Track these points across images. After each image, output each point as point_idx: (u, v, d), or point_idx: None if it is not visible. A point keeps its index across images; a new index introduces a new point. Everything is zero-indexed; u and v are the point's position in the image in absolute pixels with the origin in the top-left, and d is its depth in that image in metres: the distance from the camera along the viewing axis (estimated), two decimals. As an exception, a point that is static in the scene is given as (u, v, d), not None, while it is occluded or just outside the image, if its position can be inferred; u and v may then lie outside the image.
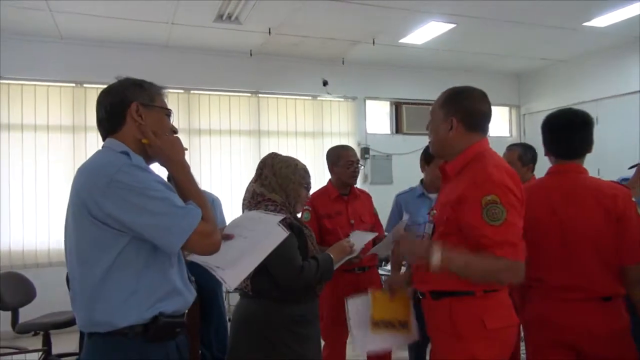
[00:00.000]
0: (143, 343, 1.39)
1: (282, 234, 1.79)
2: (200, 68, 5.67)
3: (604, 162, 4.68)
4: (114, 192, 1.33)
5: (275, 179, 2.08)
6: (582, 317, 1.87)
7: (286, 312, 1.98)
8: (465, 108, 1.80)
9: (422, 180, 3.16)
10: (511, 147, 3.36)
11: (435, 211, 1.89)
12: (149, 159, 1.51)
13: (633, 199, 1.93)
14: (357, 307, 2.17)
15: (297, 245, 2.00)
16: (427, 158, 3.03)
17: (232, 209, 4.70)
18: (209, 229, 1.40)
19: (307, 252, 2.05)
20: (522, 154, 3.24)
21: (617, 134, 5.59)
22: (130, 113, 1.47)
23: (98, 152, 1.50)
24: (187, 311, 1.55)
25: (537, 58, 6.47)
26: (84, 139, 5.28)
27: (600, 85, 6.13)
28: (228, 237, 1.72)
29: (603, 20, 5.04)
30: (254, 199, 2.09)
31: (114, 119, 1.48)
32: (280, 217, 1.88)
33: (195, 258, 1.65)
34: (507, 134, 7.43)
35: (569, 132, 2.00)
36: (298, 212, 2.19)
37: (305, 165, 2.19)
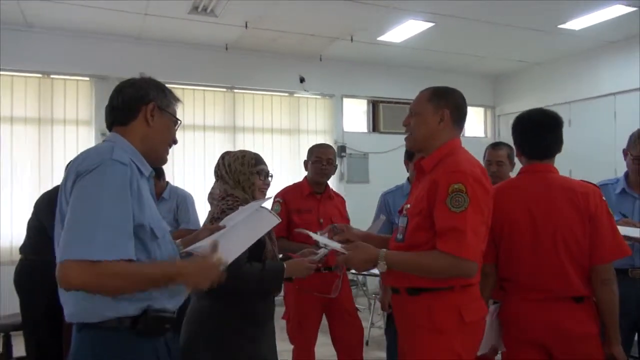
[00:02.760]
0: (132, 337, 1.38)
1: (273, 219, 1.83)
2: (174, 61, 5.52)
3: (576, 164, 4.76)
4: (75, 184, 1.35)
5: (230, 175, 2.12)
6: (552, 318, 1.88)
7: (237, 310, 1.94)
8: (456, 103, 1.89)
9: (408, 178, 3.15)
10: (499, 145, 3.36)
11: (409, 205, 1.90)
12: (151, 161, 1.55)
13: (604, 198, 1.93)
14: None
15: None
16: (410, 156, 3.01)
17: (205, 207, 4.58)
18: (91, 271, 1.25)
19: (261, 253, 1.99)
20: (510, 152, 3.26)
21: (589, 136, 5.69)
22: (145, 111, 1.51)
23: (97, 144, 1.52)
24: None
25: (512, 60, 6.53)
26: (50, 132, 5.09)
27: (573, 88, 6.23)
28: (219, 229, 1.73)
29: (578, 23, 5.11)
30: (218, 197, 2.12)
31: (128, 112, 1.51)
32: (261, 202, 1.89)
33: (191, 248, 1.63)
34: (482, 135, 7.50)
35: (541, 132, 2.02)
36: (258, 199, 2.13)
37: (255, 154, 2.19)
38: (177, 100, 1.63)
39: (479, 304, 1.81)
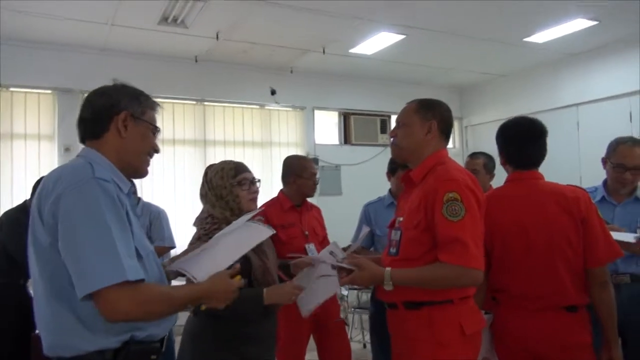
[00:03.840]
0: None
1: (266, 231, 1.77)
2: (142, 73, 5.34)
3: (542, 173, 4.86)
4: (59, 207, 1.23)
5: (212, 192, 2.00)
6: (547, 328, 1.88)
7: (232, 330, 1.86)
8: (443, 115, 1.90)
9: (390, 190, 3.15)
10: (476, 155, 3.43)
11: (401, 218, 1.87)
12: (125, 174, 1.44)
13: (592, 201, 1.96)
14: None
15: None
16: (392, 169, 3.02)
17: (175, 223, 4.43)
18: (127, 298, 1.20)
19: (248, 271, 1.89)
20: (486, 161, 3.33)
21: (553, 146, 5.72)
22: (117, 121, 1.40)
23: (71, 161, 1.40)
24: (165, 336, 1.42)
25: (478, 72, 6.68)
26: (10, 147, 4.82)
27: (537, 99, 6.41)
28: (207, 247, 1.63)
29: (542, 37, 5.27)
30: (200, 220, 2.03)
31: (99, 123, 1.41)
32: (249, 214, 1.80)
33: (175, 266, 1.54)
34: (451, 145, 7.60)
35: (527, 142, 2.03)
36: (248, 211, 2.03)
37: (236, 163, 2.08)
38: (154, 106, 1.51)
39: (478, 316, 1.81)
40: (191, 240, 1.99)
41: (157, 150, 1.52)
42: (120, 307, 1.19)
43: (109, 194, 1.26)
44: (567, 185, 2.01)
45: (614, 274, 2.37)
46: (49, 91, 5.03)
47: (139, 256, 1.32)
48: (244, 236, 1.69)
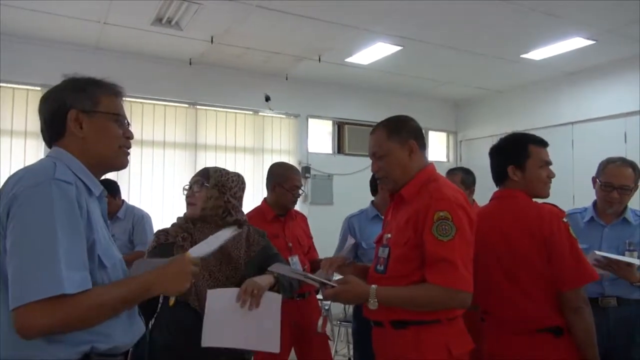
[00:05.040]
0: None
1: (232, 229, 1.74)
2: (134, 74, 5.27)
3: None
4: (13, 209, 1.16)
5: (221, 197, 2.01)
6: (532, 351, 1.82)
7: None
8: (415, 129, 1.88)
9: (372, 202, 3.08)
10: (453, 171, 3.48)
11: (389, 235, 1.82)
12: (99, 171, 1.37)
13: (564, 220, 1.86)
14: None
15: None
16: (374, 189, 3.00)
17: (163, 226, 4.34)
18: (60, 313, 1.10)
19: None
20: (464, 177, 3.37)
21: (548, 163, 5.81)
22: (69, 122, 1.31)
23: (40, 160, 1.32)
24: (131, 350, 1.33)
25: (475, 87, 6.66)
26: (-4, 143, 4.73)
27: (533, 116, 6.39)
28: None
29: (539, 54, 5.25)
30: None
31: (53, 129, 1.33)
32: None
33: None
34: (445, 159, 7.57)
35: (490, 158, 2.07)
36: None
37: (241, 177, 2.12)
38: (111, 90, 1.37)
39: (466, 337, 1.76)
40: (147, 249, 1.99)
41: (129, 137, 1.40)
42: (33, 322, 1.08)
43: (66, 197, 1.17)
44: (540, 204, 1.93)
45: (600, 297, 2.32)
46: (38, 88, 4.93)
47: (102, 266, 1.24)
48: (213, 238, 1.65)
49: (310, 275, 1.80)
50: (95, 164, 1.33)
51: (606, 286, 2.36)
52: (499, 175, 2.03)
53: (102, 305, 1.17)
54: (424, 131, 6.50)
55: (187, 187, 2.04)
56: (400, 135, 1.81)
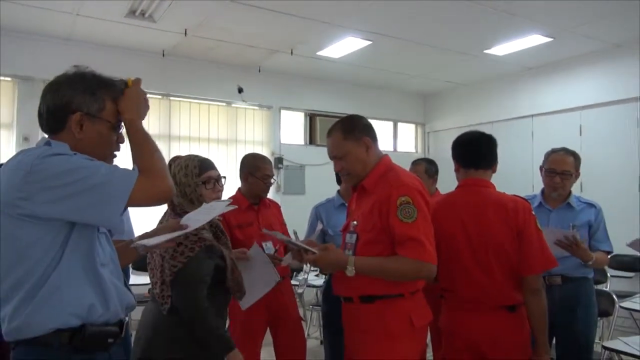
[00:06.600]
0: (69, 353, 1.29)
1: (225, 202, 1.82)
2: (107, 65, 5.02)
3: (497, 181, 5.03)
4: (32, 186, 1.23)
5: (176, 188, 1.93)
6: (488, 326, 2.00)
7: (187, 330, 1.85)
8: (366, 126, 2.02)
9: (338, 191, 3.23)
10: (417, 162, 3.64)
11: (356, 222, 1.96)
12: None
13: (533, 213, 2.09)
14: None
15: (207, 271, 1.87)
16: (339, 178, 3.12)
17: (138, 216, 4.41)
18: (149, 184, 1.33)
19: (224, 277, 1.92)
20: (427, 167, 3.52)
21: (509, 155, 6.08)
22: (71, 122, 1.35)
23: (28, 148, 1.39)
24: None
25: (441, 80, 6.89)
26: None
27: (496, 109, 6.68)
28: (180, 227, 1.68)
29: (502, 49, 5.50)
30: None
31: (54, 123, 1.37)
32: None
33: (146, 241, 1.59)
34: (413, 150, 7.81)
35: (477, 144, 2.19)
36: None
37: (201, 160, 2.05)
38: (114, 93, 1.41)
39: (426, 310, 1.93)
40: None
41: (121, 141, 1.46)
42: (157, 188, 1.35)
43: (71, 155, 1.29)
44: (512, 196, 2.14)
45: (547, 275, 2.54)
46: (9, 79, 4.92)
47: (96, 230, 1.38)
48: (206, 209, 1.78)
49: (293, 240, 1.95)
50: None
51: None
52: (485, 159, 2.16)
53: (153, 153, 1.39)
54: (393, 123, 6.74)
55: None
56: (354, 134, 1.96)
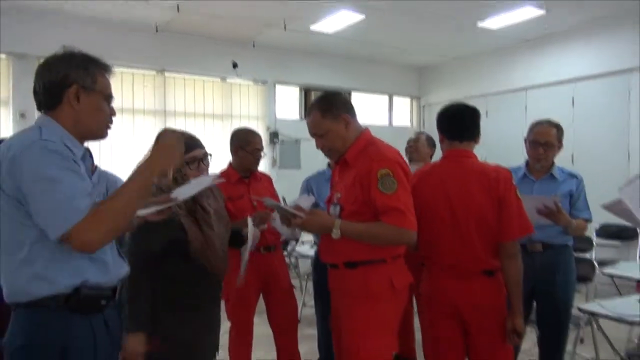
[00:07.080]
0: (65, 315, 1.38)
1: (213, 176, 1.89)
2: (101, 41, 5.25)
3: (490, 152, 5.14)
4: (15, 169, 1.33)
5: None
6: (467, 291, 2.10)
7: (170, 292, 1.92)
8: (344, 102, 2.08)
9: (329, 164, 3.28)
10: (419, 133, 3.70)
11: (339, 194, 2.04)
12: (83, 140, 1.50)
13: (514, 183, 2.16)
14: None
15: (144, 246, 1.87)
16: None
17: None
18: (84, 231, 1.30)
19: (183, 247, 1.91)
20: (428, 136, 3.60)
21: (503, 127, 6.16)
22: (68, 95, 1.43)
23: (25, 129, 1.45)
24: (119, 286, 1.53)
25: (436, 54, 6.90)
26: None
27: (490, 82, 6.70)
28: (168, 199, 1.75)
29: (495, 22, 5.51)
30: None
31: (50, 98, 1.44)
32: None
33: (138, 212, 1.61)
34: (409, 124, 7.86)
35: (462, 117, 2.23)
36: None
37: (186, 138, 1.96)
38: (105, 70, 1.50)
39: (406, 273, 2.05)
40: None
41: (113, 114, 1.54)
42: (89, 238, 1.30)
43: (54, 151, 1.35)
44: (494, 166, 2.20)
45: (528, 242, 2.62)
46: (4, 55, 4.94)
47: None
48: (195, 183, 1.85)
49: (282, 205, 2.05)
50: (82, 135, 1.50)
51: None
52: (469, 131, 2.21)
53: (129, 200, 1.38)
54: (388, 96, 6.78)
55: None
56: (332, 112, 2.00)
